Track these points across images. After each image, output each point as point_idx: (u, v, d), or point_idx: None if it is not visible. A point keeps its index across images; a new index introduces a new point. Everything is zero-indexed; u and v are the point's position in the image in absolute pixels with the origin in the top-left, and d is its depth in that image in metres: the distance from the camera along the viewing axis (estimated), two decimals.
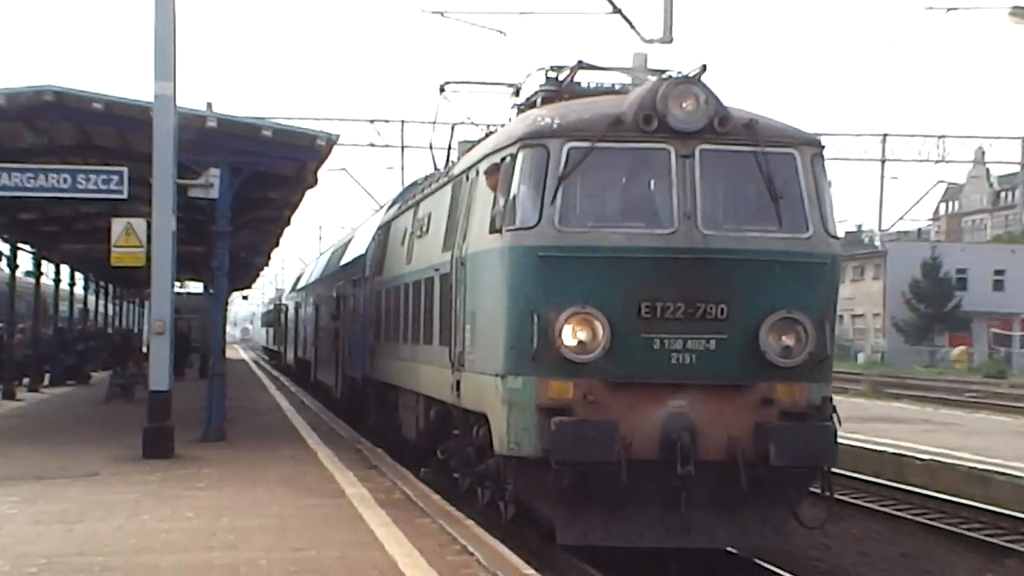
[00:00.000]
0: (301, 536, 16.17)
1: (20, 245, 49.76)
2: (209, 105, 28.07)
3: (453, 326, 17.39)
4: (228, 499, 19.65)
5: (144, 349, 31.01)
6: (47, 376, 51.83)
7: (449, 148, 24.38)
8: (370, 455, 26.49)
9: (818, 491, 15.22)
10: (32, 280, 54.94)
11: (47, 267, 58.03)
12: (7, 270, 50.85)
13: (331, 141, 29.12)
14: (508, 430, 13.95)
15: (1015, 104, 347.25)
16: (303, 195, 36.95)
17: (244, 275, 64.47)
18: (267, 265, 70.21)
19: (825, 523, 16.51)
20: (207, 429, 28.63)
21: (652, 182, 14.52)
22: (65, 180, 27.81)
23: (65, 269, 64.09)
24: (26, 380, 47.94)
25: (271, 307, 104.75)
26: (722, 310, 13.80)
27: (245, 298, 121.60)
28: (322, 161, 30.97)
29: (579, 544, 13.93)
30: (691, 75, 14.80)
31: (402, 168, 63.46)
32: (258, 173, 29.53)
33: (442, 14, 65.21)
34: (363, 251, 34.51)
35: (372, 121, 79.62)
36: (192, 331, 36.18)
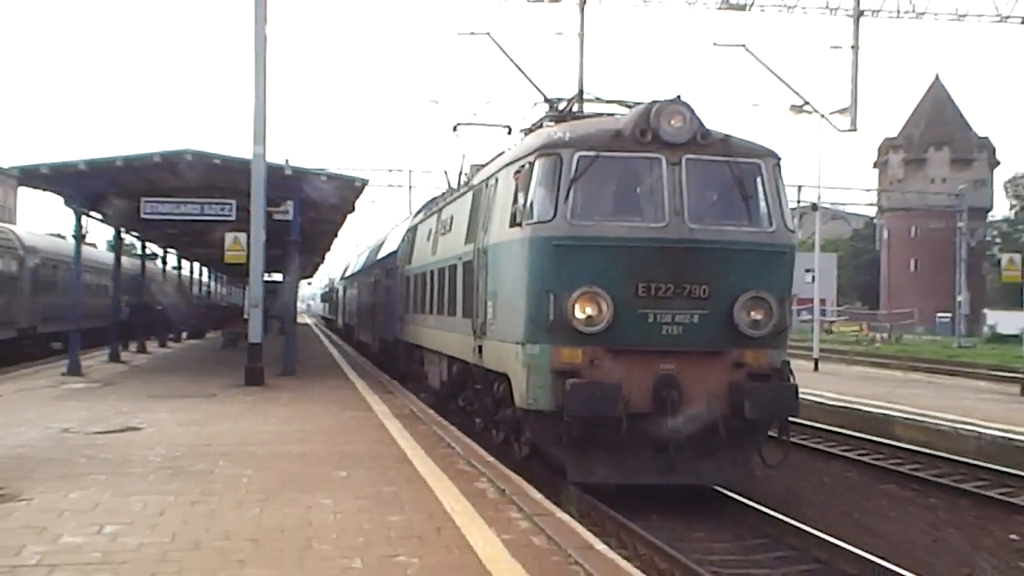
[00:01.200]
0: (344, 436, 16.37)
1: (168, 249, 51.29)
2: (287, 160, 28.56)
3: (475, 302, 16.12)
4: (296, 412, 19.86)
5: (244, 316, 31.42)
6: (183, 334, 52.47)
7: (461, 170, 22.72)
8: (389, 385, 26.61)
9: (776, 436, 14.16)
10: (175, 272, 56.04)
11: (185, 264, 59.31)
12: (160, 265, 52.24)
13: (363, 184, 29.61)
14: (527, 388, 12.99)
15: None
16: (346, 217, 37.13)
17: (308, 268, 65.07)
18: (322, 262, 70.41)
19: (783, 462, 14.78)
20: (284, 368, 28.96)
21: (647, 185, 13.51)
22: (196, 208, 28.91)
23: (196, 265, 65.65)
24: (170, 336, 48.57)
25: (326, 289, 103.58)
26: (704, 290, 12.97)
27: (309, 283, 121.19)
28: (358, 196, 31.22)
29: (586, 482, 12.99)
30: (677, 98, 13.80)
31: (409, 201, 62.83)
32: (317, 203, 29.56)
33: (436, 102, 64.14)
34: (394, 248, 32.26)
35: (390, 170, 79.73)
36: (274, 305, 36.42)
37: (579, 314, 12.69)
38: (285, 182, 27.55)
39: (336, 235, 44.86)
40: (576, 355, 12.84)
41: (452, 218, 20.02)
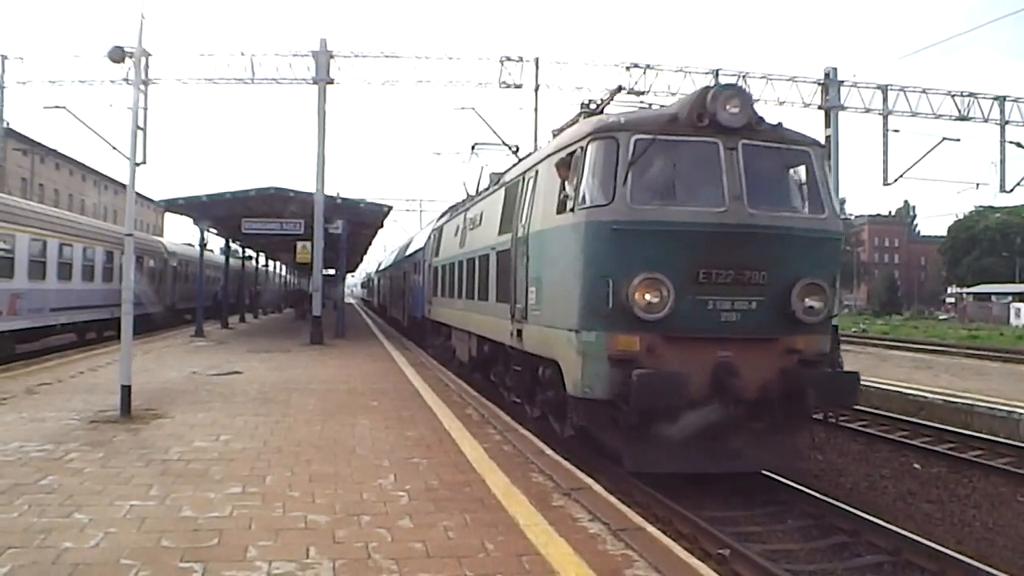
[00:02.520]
0: (376, 378, 16.34)
1: (259, 253, 51.19)
2: (337, 193, 28.50)
3: (513, 288, 12.20)
4: (344, 361, 19.89)
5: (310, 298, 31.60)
6: (268, 309, 52.26)
7: (479, 180, 19.02)
8: (408, 345, 26.56)
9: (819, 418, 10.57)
10: (264, 268, 56.40)
11: (271, 263, 59.00)
12: (253, 264, 51.82)
13: (389, 209, 29.48)
14: (582, 376, 9.37)
15: None
16: (377, 231, 37.17)
17: (351, 265, 64.76)
18: (361, 261, 70.14)
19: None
20: (336, 332, 29.05)
21: (704, 169, 9.74)
22: (277, 226, 28.81)
23: (278, 264, 64.68)
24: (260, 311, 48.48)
25: (365, 279, 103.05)
26: (763, 276, 9.43)
27: (352, 276, 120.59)
28: (385, 216, 31.12)
29: (643, 471, 9.56)
30: (733, 83, 10.51)
31: (420, 219, 62.77)
32: (358, 222, 29.79)
33: (438, 153, 63.31)
34: (420, 246, 28.64)
35: (407, 199, 79.43)
36: (330, 291, 36.54)
37: (640, 300, 9.17)
38: (336, 207, 27.48)
39: (371, 243, 44.73)
40: (633, 342, 9.29)
41: (481, 215, 16.01)
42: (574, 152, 10.13)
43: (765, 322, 9.48)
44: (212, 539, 5.81)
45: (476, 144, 21.00)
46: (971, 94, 32.56)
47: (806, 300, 9.55)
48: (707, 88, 9.77)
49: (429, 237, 25.64)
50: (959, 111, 32.22)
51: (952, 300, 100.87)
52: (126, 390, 10.94)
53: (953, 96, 32.40)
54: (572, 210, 9.76)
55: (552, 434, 11.09)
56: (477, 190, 18.48)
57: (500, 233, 13.51)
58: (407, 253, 34.44)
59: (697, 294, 9.26)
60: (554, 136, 12.56)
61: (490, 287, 14.15)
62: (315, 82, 27.34)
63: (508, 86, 30.05)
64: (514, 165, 15.04)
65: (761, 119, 9.95)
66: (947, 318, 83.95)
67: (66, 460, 8.17)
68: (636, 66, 30.48)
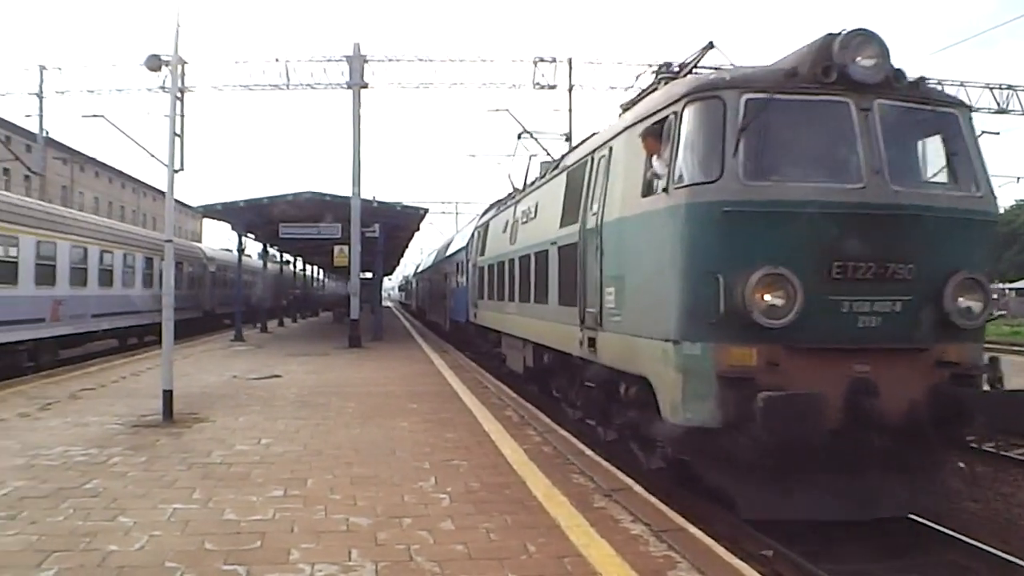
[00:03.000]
0: (413, 380, 16.23)
1: (297, 257, 51.43)
2: (374, 197, 28.74)
3: (583, 288, 10.16)
4: (382, 364, 19.85)
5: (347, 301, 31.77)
6: (307, 313, 52.58)
7: (527, 172, 17.15)
8: (447, 348, 26.45)
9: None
10: (301, 272, 56.42)
11: (309, 267, 59.38)
12: (291, 268, 52.10)
13: (425, 212, 29.96)
14: (683, 399, 7.32)
15: None
16: (413, 234, 37.79)
17: (388, 268, 65.15)
18: (398, 264, 70.51)
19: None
20: (374, 335, 29.18)
21: (833, 135, 7.58)
22: (315, 230, 28.92)
23: (316, 268, 65.46)
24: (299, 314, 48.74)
25: (403, 282, 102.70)
26: (909, 270, 7.25)
27: (389, 279, 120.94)
28: (421, 220, 31.74)
29: (763, 519, 7.47)
30: (866, 29, 7.64)
31: (456, 222, 62.92)
32: (395, 225, 29.98)
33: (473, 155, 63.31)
34: (462, 246, 26.72)
35: (442, 202, 79.80)
36: (368, 294, 36.55)
37: (760, 303, 7.09)
38: (373, 211, 27.65)
39: (407, 246, 45.09)
40: (749, 355, 7.17)
41: (535, 206, 13.92)
42: (665, 119, 8.17)
43: (912, 328, 7.44)
44: (255, 542, 5.83)
45: (521, 133, 20.37)
46: (1010, 87, 32.07)
47: (962, 299, 7.53)
48: (832, 35, 7.65)
49: (472, 235, 23.82)
50: (998, 104, 31.76)
51: (995, 296, 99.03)
52: (168, 394, 11.04)
53: (991, 89, 31.92)
54: (665, 190, 7.83)
55: (592, 434, 10.81)
56: (526, 183, 16.57)
57: (562, 225, 11.59)
58: (447, 254, 33.20)
59: (829, 293, 7.30)
60: (624, 111, 10.46)
61: (550, 288, 12.30)
62: (349, 87, 27.50)
63: (542, 87, 30.12)
64: (575, 147, 13.12)
65: (900, 73, 7.78)
66: (1001, 315, 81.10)
67: (110, 464, 8.25)
68: (669, 65, 30.31)
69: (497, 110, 29.12)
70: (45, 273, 20.14)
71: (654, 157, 8.28)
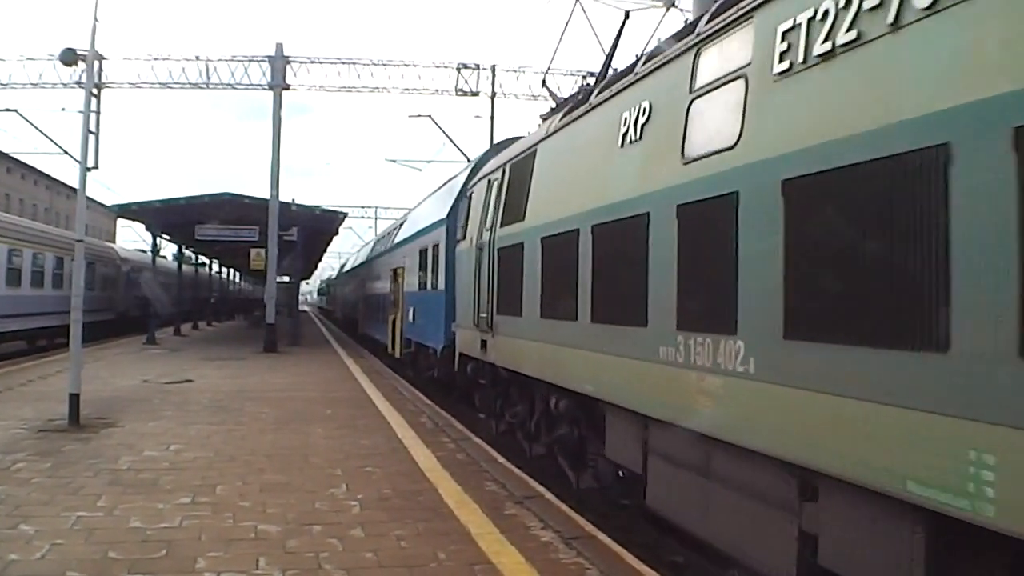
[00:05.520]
0: (330, 386, 16.15)
1: (214, 260, 49.96)
2: (292, 200, 28.63)
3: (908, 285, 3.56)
4: (298, 369, 19.75)
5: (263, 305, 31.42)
6: (223, 317, 51.55)
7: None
8: (363, 352, 26.48)
9: None
10: (217, 275, 55.01)
11: (224, 270, 58.21)
12: (205, 271, 51.13)
13: (344, 216, 29.91)
14: None
15: None
16: (332, 238, 37.20)
17: (306, 272, 64.56)
18: (316, 268, 69.96)
19: None
20: (291, 340, 28.65)
21: None
22: (232, 233, 28.38)
23: (232, 271, 63.96)
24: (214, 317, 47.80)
25: (323, 286, 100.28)
26: None
27: (307, 283, 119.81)
28: (340, 224, 31.32)
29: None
30: None
31: (375, 227, 62.43)
32: (313, 229, 29.47)
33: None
34: (440, 218, 17.48)
35: (361, 206, 79.09)
36: (284, 298, 36.01)
37: None
38: (291, 215, 27.41)
39: (326, 249, 44.76)
40: None
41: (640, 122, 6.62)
42: None
43: None
44: (161, 550, 5.72)
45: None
46: None
47: None
48: None
49: (462, 196, 14.87)
50: None
51: None
52: (74, 399, 10.75)
53: None
54: None
55: (514, 448, 10.70)
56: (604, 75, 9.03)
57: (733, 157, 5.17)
58: (401, 238, 24.54)
59: None
60: (543, 121, 9.07)
61: (648, 295, 6.17)
62: (271, 87, 27.16)
63: (464, 93, 30.12)
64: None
65: None
66: None
67: (13, 470, 8.01)
68: (593, 75, 30.63)
69: (419, 115, 28.93)
70: None
71: None
